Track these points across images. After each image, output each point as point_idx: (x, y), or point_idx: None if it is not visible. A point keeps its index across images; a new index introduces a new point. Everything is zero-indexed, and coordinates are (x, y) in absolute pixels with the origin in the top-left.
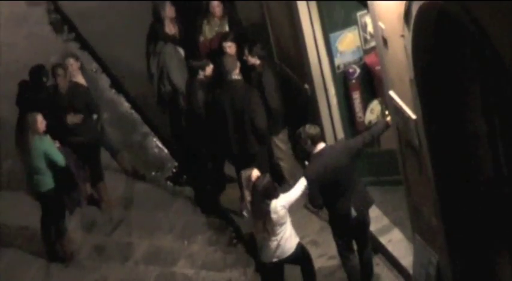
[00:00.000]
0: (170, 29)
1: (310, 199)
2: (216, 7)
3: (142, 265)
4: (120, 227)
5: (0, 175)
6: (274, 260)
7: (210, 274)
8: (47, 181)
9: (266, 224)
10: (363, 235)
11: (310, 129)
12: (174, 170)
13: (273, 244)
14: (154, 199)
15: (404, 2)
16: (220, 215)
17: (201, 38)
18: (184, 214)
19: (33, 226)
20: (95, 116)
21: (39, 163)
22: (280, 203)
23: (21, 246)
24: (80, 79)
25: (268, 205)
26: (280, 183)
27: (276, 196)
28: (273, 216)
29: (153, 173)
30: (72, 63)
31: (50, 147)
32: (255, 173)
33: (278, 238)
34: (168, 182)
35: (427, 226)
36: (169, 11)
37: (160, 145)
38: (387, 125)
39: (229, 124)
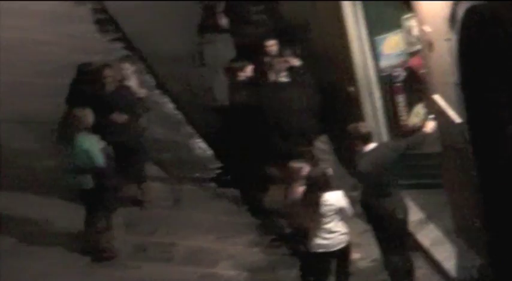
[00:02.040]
0: (222, 21)
1: (362, 194)
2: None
3: (183, 265)
4: (162, 227)
5: (38, 174)
6: (320, 250)
7: (252, 275)
8: (87, 180)
9: (315, 215)
10: (403, 237)
11: (362, 128)
12: (217, 171)
13: (321, 235)
14: (197, 200)
15: (449, 5)
16: (263, 216)
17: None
18: (227, 215)
19: (73, 225)
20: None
21: (80, 160)
22: (332, 199)
23: (61, 246)
24: (133, 83)
25: (319, 197)
26: None
27: (329, 189)
28: (324, 208)
29: (197, 174)
30: (128, 68)
31: (92, 146)
32: (304, 165)
33: (327, 229)
34: (211, 183)
35: (470, 229)
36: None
37: (203, 145)
38: (431, 133)
39: (276, 125)
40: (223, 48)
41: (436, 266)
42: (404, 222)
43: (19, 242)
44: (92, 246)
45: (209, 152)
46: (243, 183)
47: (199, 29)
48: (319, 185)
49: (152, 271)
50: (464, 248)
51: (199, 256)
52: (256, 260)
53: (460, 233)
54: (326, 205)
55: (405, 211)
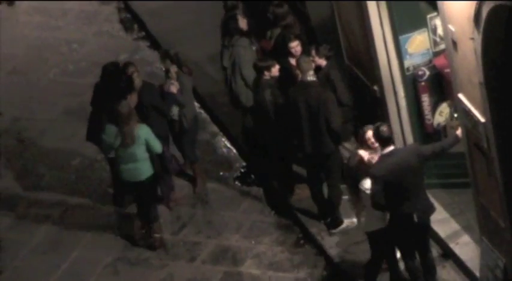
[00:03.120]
0: (243, 23)
1: (372, 197)
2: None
3: (209, 264)
4: (187, 226)
5: (66, 172)
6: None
7: (276, 275)
8: (147, 169)
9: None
10: (423, 240)
11: (384, 129)
12: (242, 170)
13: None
14: (222, 199)
15: (474, 4)
16: (288, 215)
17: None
18: (252, 214)
19: (100, 223)
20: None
21: (140, 150)
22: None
23: (88, 243)
24: (175, 82)
25: (358, 181)
26: None
27: (365, 176)
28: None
29: (221, 173)
30: (176, 69)
31: (149, 134)
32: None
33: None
34: (236, 182)
35: (494, 229)
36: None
37: (228, 144)
38: (457, 140)
39: (304, 124)
40: (241, 51)
41: (459, 265)
42: (422, 226)
43: (47, 240)
44: (145, 236)
45: (234, 151)
46: (268, 182)
47: (221, 31)
48: (355, 170)
49: (177, 270)
50: (488, 248)
51: (224, 255)
52: (281, 259)
53: (484, 233)
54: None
55: (426, 214)
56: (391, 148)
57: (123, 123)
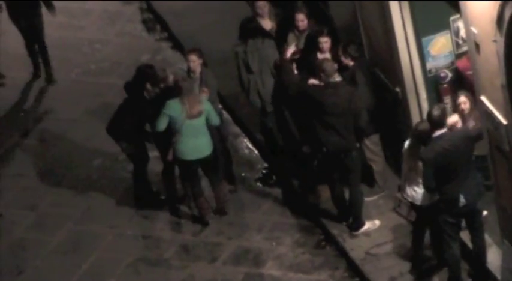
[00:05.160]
0: (267, 24)
1: (424, 180)
2: (300, 21)
3: (229, 265)
4: (208, 227)
5: (90, 172)
6: (409, 200)
7: (297, 276)
8: (209, 143)
9: (414, 166)
10: (474, 223)
11: (435, 113)
12: (263, 171)
13: (412, 187)
14: (243, 200)
15: (497, 6)
16: (309, 217)
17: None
18: (273, 215)
19: (121, 223)
20: None
21: (204, 123)
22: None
23: (109, 243)
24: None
25: (419, 149)
26: (371, 185)
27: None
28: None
29: (243, 174)
30: (195, 60)
31: (209, 105)
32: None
33: (419, 183)
34: (258, 183)
35: None
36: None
37: (250, 145)
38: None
39: (329, 124)
40: (270, 52)
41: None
42: (470, 210)
43: (68, 240)
44: (198, 213)
45: (256, 152)
46: (289, 183)
47: (242, 34)
48: (419, 138)
49: (198, 271)
50: (510, 250)
51: (245, 256)
52: (302, 260)
53: (505, 235)
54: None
55: (474, 198)
56: (443, 130)
57: (187, 95)
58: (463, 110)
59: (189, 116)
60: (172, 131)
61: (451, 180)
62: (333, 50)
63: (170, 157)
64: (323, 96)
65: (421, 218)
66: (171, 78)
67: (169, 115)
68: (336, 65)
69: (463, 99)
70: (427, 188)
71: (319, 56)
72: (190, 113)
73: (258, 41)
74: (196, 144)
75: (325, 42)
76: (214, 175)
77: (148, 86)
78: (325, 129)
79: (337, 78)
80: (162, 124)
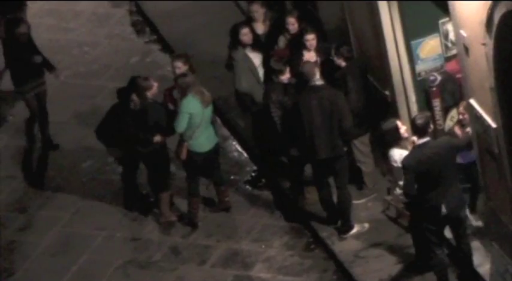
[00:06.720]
0: (260, 28)
1: (404, 187)
2: (291, 25)
3: (219, 267)
4: (197, 229)
5: (78, 174)
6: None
7: (286, 279)
8: (215, 133)
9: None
10: (458, 230)
11: (419, 121)
12: (252, 174)
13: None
14: (232, 202)
15: (486, 9)
16: (298, 219)
17: (276, 47)
18: (262, 218)
19: (110, 226)
20: None
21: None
22: (396, 156)
23: (98, 246)
24: None
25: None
26: (360, 188)
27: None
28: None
29: (232, 177)
30: (180, 66)
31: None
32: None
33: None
34: (247, 186)
35: (505, 234)
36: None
37: (239, 148)
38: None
39: (318, 127)
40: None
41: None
42: (451, 218)
43: (57, 242)
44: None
45: (245, 154)
46: (278, 186)
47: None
48: (389, 139)
49: (187, 273)
50: (498, 253)
51: (234, 259)
52: (291, 263)
53: (494, 238)
54: (392, 161)
55: (455, 207)
56: (425, 139)
57: (195, 86)
58: (462, 120)
59: (206, 104)
60: (174, 131)
61: (433, 188)
62: (321, 50)
63: (184, 156)
64: (306, 99)
65: (416, 215)
66: (155, 86)
67: (190, 113)
68: (316, 68)
69: (463, 111)
70: (406, 195)
71: (306, 54)
72: (206, 101)
73: (247, 48)
74: (209, 133)
75: (312, 39)
76: (217, 170)
77: (134, 97)
78: (315, 136)
79: (320, 81)
80: (183, 123)
